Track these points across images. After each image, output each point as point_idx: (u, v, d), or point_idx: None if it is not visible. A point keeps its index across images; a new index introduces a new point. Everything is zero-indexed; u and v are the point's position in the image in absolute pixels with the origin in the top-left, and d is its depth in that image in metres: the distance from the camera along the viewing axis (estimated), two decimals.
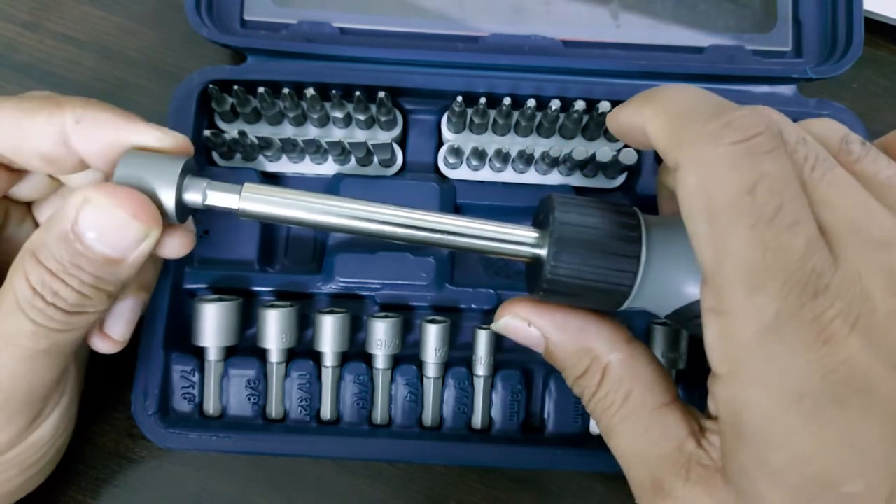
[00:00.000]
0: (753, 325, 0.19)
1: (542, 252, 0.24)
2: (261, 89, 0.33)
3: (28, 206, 0.31)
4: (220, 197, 0.26)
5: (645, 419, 0.24)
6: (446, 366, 0.33)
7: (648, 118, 0.23)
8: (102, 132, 0.25)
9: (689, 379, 0.33)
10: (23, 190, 0.29)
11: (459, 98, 0.33)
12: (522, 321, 0.26)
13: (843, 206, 0.21)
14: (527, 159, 0.34)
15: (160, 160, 0.25)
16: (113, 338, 0.29)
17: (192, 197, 0.26)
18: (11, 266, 0.25)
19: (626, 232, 0.24)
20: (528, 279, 0.26)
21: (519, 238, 0.25)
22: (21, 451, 0.27)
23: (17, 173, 0.28)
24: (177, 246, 0.27)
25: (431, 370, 0.33)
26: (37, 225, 0.31)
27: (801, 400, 0.19)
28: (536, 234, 0.25)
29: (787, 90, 0.36)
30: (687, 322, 0.24)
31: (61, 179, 0.29)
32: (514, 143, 0.35)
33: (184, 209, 0.26)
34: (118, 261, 0.25)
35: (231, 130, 0.34)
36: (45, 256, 0.24)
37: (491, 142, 0.35)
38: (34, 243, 0.25)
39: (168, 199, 0.25)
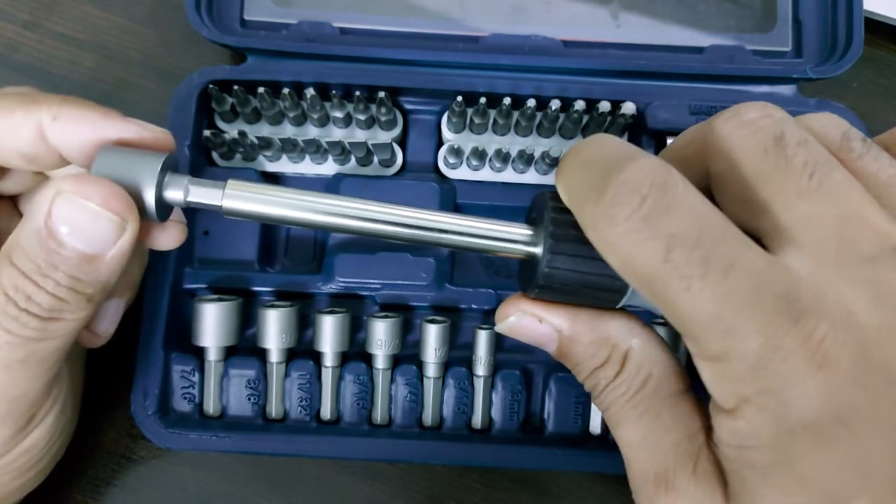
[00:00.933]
0: (742, 366, 0.19)
1: (537, 249, 0.24)
2: (261, 89, 0.33)
3: (15, 201, 0.30)
4: (202, 194, 0.24)
5: (658, 405, 0.23)
6: (446, 366, 0.33)
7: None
8: (80, 128, 0.25)
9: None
10: (7, 185, 0.29)
11: (459, 98, 0.33)
12: (532, 318, 0.24)
13: (832, 219, 0.20)
14: (527, 159, 0.34)
15: (139, 155, 0.24)
16: (96, 333, 0.28)
17: (174, 194, 0.24)
18: None
19: None
20: (522, 277, 0.26)
21: (512, 236, 0.24)
22: (14, 458, 0.27)
23: (1, 170, 0.28)
24: (169, 238, 0.27)
25: (431, 370, 0.33)
26: None
27: (806, 426, 0.19)
28: (530, 232, 0.24)
29: (787, 90, 0.36)
30: None
31: (47, 174, 0.29)
32: (514, 143, 0.35)
33: (164, 207, 0.25)
34: (95, 258, 0.23)
35: (231, 130, 0.34)
36: (18, 257, 0.23)
37: (491, 142, 0.35)
38: (9, 244, 0.23)
39: (148, 196, 0.24)
